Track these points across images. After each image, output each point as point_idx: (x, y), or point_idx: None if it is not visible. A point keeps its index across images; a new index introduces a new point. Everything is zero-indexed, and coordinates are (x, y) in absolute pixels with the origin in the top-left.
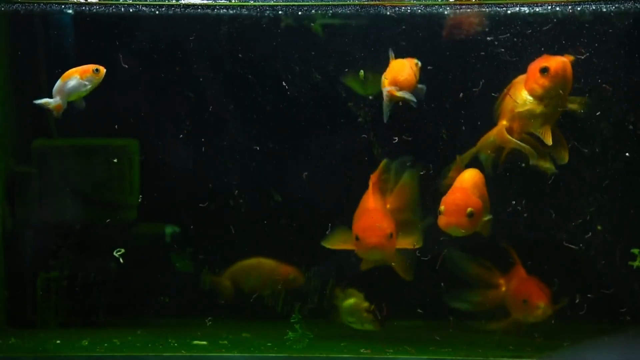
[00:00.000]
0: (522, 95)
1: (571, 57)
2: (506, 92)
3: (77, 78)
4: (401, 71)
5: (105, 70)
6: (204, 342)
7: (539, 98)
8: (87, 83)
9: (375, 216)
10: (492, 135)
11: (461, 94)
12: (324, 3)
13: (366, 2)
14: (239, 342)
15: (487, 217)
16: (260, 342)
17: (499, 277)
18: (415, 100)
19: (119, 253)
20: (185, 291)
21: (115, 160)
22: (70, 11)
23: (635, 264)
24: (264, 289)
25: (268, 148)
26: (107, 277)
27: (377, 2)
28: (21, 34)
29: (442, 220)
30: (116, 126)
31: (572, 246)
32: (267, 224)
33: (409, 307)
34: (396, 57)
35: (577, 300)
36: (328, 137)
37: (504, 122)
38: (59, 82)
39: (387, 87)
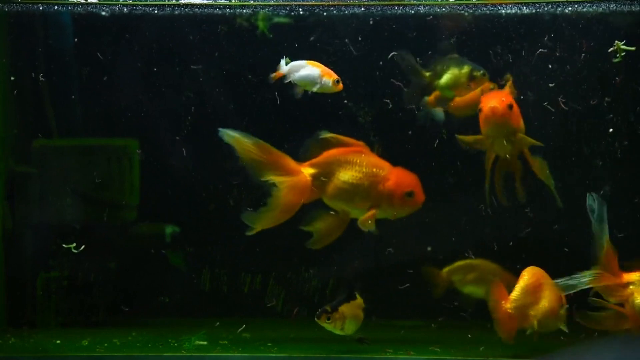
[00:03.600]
0: None
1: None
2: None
3: (319, 73)
4: None
5: (341, 88)
6: (204, 342)
7: (482, 132)
8: (321, 83)
9: None
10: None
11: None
12: (325, 3)
13: (368, 3)
14: (239, 342)
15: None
16: (260, 342)
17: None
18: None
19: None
20: (185, 291)
21: (114, 160)
22: (70, 11)
23: None
24: (478, 291)
25: None
26: (107, 277)
27: (380, 3)
28: (21, 34)
29: None
30: (116, 126)
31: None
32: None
33: (409, 307)
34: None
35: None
36: None
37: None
38: (302, 62)
39: None
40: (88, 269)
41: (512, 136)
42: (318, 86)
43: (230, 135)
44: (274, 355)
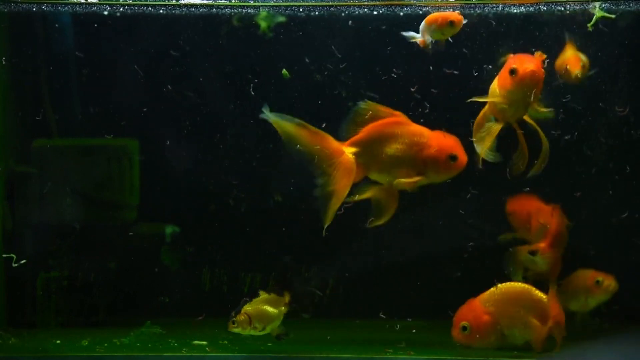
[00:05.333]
0: (494, 85)
1: (543, 57)
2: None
3: (435, 25)
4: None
5: (461, 22)
6: (204, 342)
7: (504, 95)
8: (435, 25)
9: None
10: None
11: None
12: (327, 3)
13: (372, 3)
14: (239, 343)
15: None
16: (260, 342)
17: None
18: None
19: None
20: (185, 291)
21: (115, 160)
22: (70, 11)
23: None
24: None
25: (269, 148)
26: (107, 277)
27: (382, 3)
28: (21, 34)
29: None
30: (116, 126)
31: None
32: (267, 224)
33: (409, 307)
34: None
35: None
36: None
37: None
38: (423, 24)
39: None
40: (88, 269)
41: (535, 103)
42: (435, 30)
43: (271, 118)
44: (274, 355)
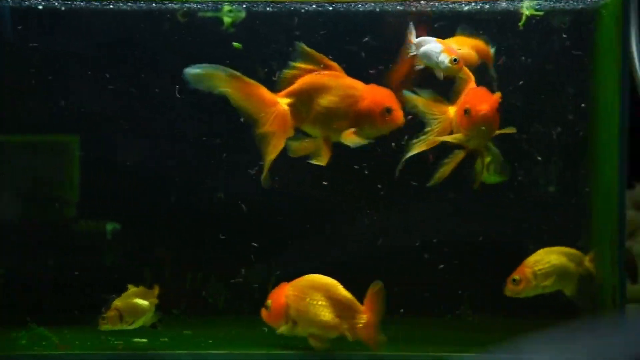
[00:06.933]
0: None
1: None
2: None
3: (439, 49)
4: None
5: (460, 68)
6: (144, 340)
7: (461, 132)
8: (441, 61)
9: None
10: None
11: None
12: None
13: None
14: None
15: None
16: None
17: None
18: None
19: None
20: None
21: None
22: (10, 4)
23: None
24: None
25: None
26: (45, 275)
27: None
28: None
29: None
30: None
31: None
32: (211, 222)
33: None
34: None
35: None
36: None
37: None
38: (432, 39)
39: None
40: (26, 267)
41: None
42: (436, 63)
43: (198, 71)
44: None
